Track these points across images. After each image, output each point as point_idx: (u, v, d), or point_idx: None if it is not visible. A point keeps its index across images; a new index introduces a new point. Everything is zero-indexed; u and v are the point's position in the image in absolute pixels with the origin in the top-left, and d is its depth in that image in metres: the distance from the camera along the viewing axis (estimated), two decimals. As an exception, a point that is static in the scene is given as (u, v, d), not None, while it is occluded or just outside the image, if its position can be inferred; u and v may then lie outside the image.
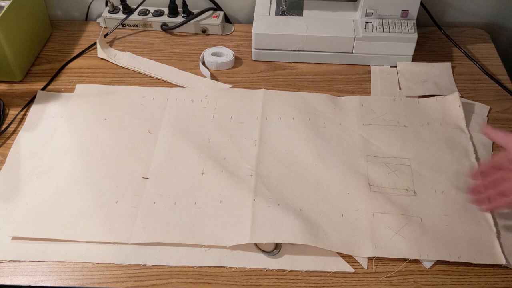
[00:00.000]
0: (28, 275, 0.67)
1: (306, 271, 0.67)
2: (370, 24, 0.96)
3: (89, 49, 1.03)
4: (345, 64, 1.00)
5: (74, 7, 1.12)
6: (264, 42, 0.97)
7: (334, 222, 0.72)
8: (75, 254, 0.69)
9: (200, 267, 0.68)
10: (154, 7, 1.08)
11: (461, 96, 0.91)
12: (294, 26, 0.97)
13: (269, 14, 1.00)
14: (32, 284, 0.66)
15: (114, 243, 0.70)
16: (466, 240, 0.70)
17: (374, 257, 0.68)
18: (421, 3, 0.96)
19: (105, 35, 1.05)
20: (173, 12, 1.06)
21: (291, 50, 0.98)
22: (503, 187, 0.66)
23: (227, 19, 1.11)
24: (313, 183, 0.77)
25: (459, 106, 0.87)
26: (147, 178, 0.78)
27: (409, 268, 0.68)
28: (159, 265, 0.68)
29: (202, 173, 0.78)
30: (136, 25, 1.08)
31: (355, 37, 0.95)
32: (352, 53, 0.98)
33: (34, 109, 0.90)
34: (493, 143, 0.83)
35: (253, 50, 0.99)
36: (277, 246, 0.69)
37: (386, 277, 0.67)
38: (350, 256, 0.69)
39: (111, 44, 1.04)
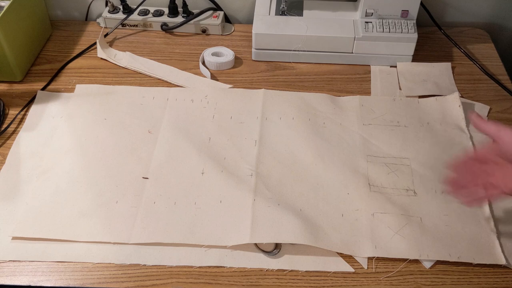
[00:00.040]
0: (28, 275, 0.67)
1: (306, 271, 0.67)
2: (370, 24, 0.96)
3: (89, 49, 1.03)
4: (345, 64, 1.00)
5: (74, 7, 1.12)
6: (264, 42, 0.97)
7: (334, 222, 0.72)
8: (75, 254, 0.69)
9: (200, 267, 0.68)
10: (154, 7, 1.08)
11: (461, 96, 0.91)
12: (294, 26, 0.97)
13: (269, 14, 1.00)
14: (32, 284, 0.66)
15: (114, 243, 0.70)
16: (466, 240, 0.70)
17: (374, 257, 0.68)
18: (421, 3, 0.96)
19: (105, 35, 1.05)
20: (173, 12, 1.06)
21: (291, 50, 0.98)
22: (485, 181, 0.64)
23: (227, 19, 1.11)
24: (313, 183, 0.77)
25: (459, 106, 0.88)
26: (147, 178, 0.78)
27: (409, 268, 0.68)
28: (159, 265, 0.68)
29: (202, 173, 0.78)
30: (136, 25, 1.08)
31: (355, 37, 0.95)
32: (352, 53, 0.98)
33: (34, 109, 0.90)
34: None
35: (253, 50, 0.99)
36: (277, 246, 0.70)
37: (386, 277, 0.67)
38: (350, 256, 0.69)
39: (111, 44, 1.04)
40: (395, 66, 0.98)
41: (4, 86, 0.95)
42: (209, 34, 1.07)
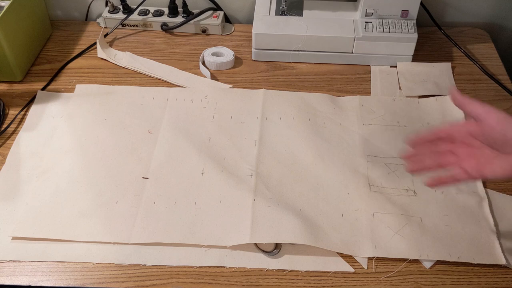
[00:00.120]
0: (28, 275, 0.67)
1: (306, 271, 0.67)
2: (370, 24, 0.96)
3: (89, 49, 1.03)
4: (345, 64, 1.00)
5: (74, 7, 1.12)
6: (264, 42, 0.97)
7: (334, 222, 0.72)
8: (75, 254, 0.69)
9: (200, 267, 0.68)
10: (154, 7, 1.08)
11: (461, 96, 0.91)
12: (294, 26, 0.97)
13: (269, 14, 1.00)
14: (32, 284, 0.66)
15: (114, 243, 0.70)
16: (466, 240, 0.70)
17: (374, 257, 0.68)
18: (421, 3, 0.96)
19: (105, 35, 1.05)
20: (173, 12, 1.06)
21: (291, 50, 0.98)
22: (453, 163, 0.61)
23: (227, 19, 1.11)
24: (313, 183, 0.77)
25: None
26: (147, 178, 0.78)
27: (409, 268, 0.68)
28: (159, 265, 0.68)
29: (202, 173, 0.78)
30: (136, 25, 1.08)
31: (355, 37, 0.95)
32: (352, 53, 0.98)
33: (34, 109, 0.90)
34: None
35: (253, 50, 0.99)
36: (277, 246, 0.70)
37: (386, 277, 0.67)
38: (350, 256, 0.69)
39: (111, 44, 1.04)
40: (395, 66, 0.98)
41: (4, 86, 0.95)
42: (209, 34, 1.07)
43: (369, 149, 0.82)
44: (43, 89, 0.94)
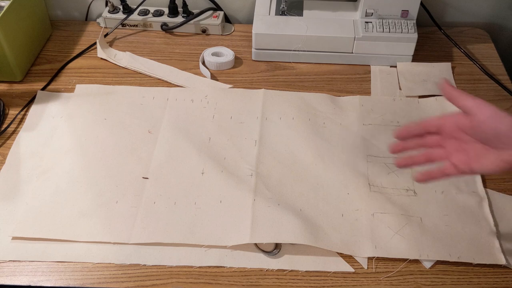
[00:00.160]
0: (28, 275, 0.67)
1: (306, 271, 0.67)
2: (370, 24, 0.96)
3: (89, 49, 1.03)
4: (345, 64, 1.00)
5: (74, 7, 1.12)
6: (264, 42, 0.97)
7: (334, 222, 0.72)
8: (75, 254, 0.69)
9: (200, 267, 0.68)
10: (154, 7, 1.08)
11: (461, 96, 0.91)
12: (294, 26, 0.97)
13: (269, 14, 1.00)
14: (32, 284, 0.66)
15: (114, 243, 0.70)
16: (466, 240, 0.70)
17: (374, 257, 0.68)
18: (421, 3, 0.96)
19: (105, 35, 1.05)
20: (173, 12, 1.06)
21: (291, 50, 0.98)
22: (442, 157, 0.61)
23: (227, 19, 1.11)
24: (313, 183, 0.77)
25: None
26: (147, 178, 0.78)
27: (409, 268, 0.68)
28: (159, 265, 0.68)
29: (202, 173, 0.78)
30: (136, 25, 1.08)
31: (355, 37, 0.95)
32: (352, 53, 0.98)
33: (34, 109, 0.90)
34: None
35: (253, 50, 0.99)
36: (277, 246, 0.69)
37: (386, 277, 0.67)
38: (350, 256, 0.69)
39: (111, 44, 1.04)
40: (395, 66, 0.98)
41: (4, 86, 0.95)
42: (209, 34, 1.07)
43: (369, 149, 0.82)
44: (43, 89, 0.94)
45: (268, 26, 0.97)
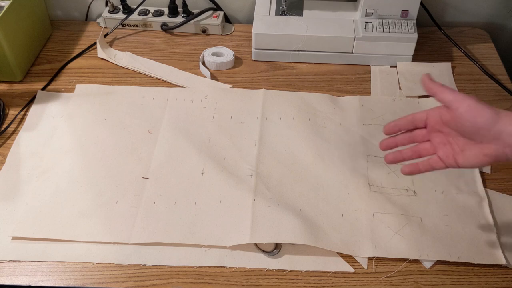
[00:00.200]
0: (28, 275, 0.67)
1: (306, 271, 0.67)
2: (370, 24, 0.96)
3: (89, 49, 1.03)
4: (345, 64, 1.00)
5: (74, 7, 1.12)
6: (264, 42, 0.97)
7: (334, 222, 0.72)
8: (75, 254, 0.69)
9: (200, 267, 0.68)
10: (154, 7, 1.08)
11: (461, 96, 0.91)
12: (294, 26, 0.97)
13: (269, 14, 1.00)
14: (32, 284, 0.66)
15: (114, 243, 0.70)
16: (466, 240, 0.70)
17: (374, 257, 0.68)
18: (421, 3, 0.96)
19: (105, 35, 1.05)
20: (173, 12, 1.06)
21: (291, 50, 0.98)
22: (428, 151, 0.61)
23: (227, 19, 1.11)
24: (313, 183, 0.77)
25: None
26: (147, 178, 0.78)
27: (409, 268, 0.68)
28: (159, 265, 0.68)
29: (202, 173, 0.78)
30: (136, 25, 1.08)
31: (355, 37, 0.95)
32: (352, 53, 0.98)
33: (34, 109, 0.90)
34: None
35: (253, 50, 0.99)
36: (277, 246, 0.69)
37: (386, 277, 0.67)
38: (350, 256, 0.69)
39: (111, 44, 1.04)
40: (395, 66, 0.98)
41: (4, 86, 0.95)
42: (209, 34, 1.07)
43: (369, 149, 0.82)
44: (43, 89, 0.94)
45: (268, 26, 0.97)
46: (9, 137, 0.85)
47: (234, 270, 0.67)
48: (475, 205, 0.74)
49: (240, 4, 1.10)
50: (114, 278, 0.66)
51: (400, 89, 0.94)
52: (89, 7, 1.12)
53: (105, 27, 1.08)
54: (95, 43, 1.03)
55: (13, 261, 0.68)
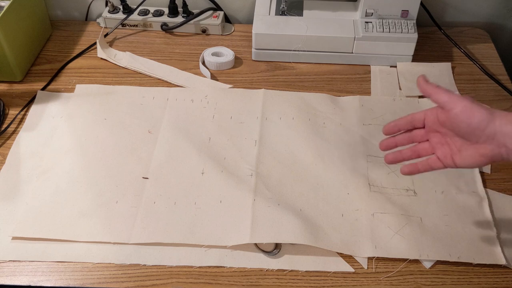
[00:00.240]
0: (28, 275, 0.67)
1: (306, 271, 0.67)
2: (370, 24, 0.96)
3: (89, 49, 1.03)
4: (345, 64, 1.00)
5: (74, 7, 1.12)
6: (264, 42, 0.97)
7: (334, 222, 0.72)
8: (75, 254, 0.69)
9: (200, 267, 0.68)
10: (154, 7, 1.08)
11: (461, 96, 0.91)
12: (294, 26, 0.97)
13: (269, 14, 1.00)
14: (32, 284, 0.66)
15: (114, 243, 0.70)
16: (466, 240, 0.70)
17: (374, 257, 0.68)
18: (421, 3, 0.96)
19: (105, 35, 1.05)
20: (173, 12, 1.06)
21: (291, 50, 0.98)
22: (427, 151, 0.61)
23: (227, 19, 1.11)
24: (313, 183, 0.77)
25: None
26: (147, 178, 0.78)
27: (409, 268, 0.68)
28: (159, 265, 0.68)
29: (202, 173, 0.78)
30: (136, 25, 1.08)
31: (355, 37, 0.95)
32: (352, 53, 0.98)
33: (34, 109, 0.90)
34: None
35: (253, 50, 0.99)
36: (277, 246, 0.69)
37: (386, 277, 0.67)
38: (350, 256, 0.69)
39: (111, 44, 1.04)
40: (395, 66, 0.98)
41: (4, 86, 0.95)
42: (209, 34, 1.07)
43: (369, 149, 0.82)
44: (43, 89, 0.94)
45: (268, 26, 0.97)
46: (9, 137, 0.85)
47: (234, 270, 0.67)
48: (475, 205, 0.74)
49: (240, 4, 1.10)
50: (114, 278, 0.66)
51: (400, 89, 0.94)
52: (89, 7, 1.12)
53: (105, 27, 1.08)
54: (95, 43, 1.03)
55: (13, 261, 0.68)
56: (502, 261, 0.67)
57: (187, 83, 0.95)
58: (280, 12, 1.00)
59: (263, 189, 0.76)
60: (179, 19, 1.06)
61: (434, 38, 1.06)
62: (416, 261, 0.68)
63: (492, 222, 0.72)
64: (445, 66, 0.98)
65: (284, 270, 0.67)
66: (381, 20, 0.96)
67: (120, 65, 0.99)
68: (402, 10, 0.95)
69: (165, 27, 1.07)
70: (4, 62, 0.91)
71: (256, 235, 0.69)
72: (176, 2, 1.06)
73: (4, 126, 0.87)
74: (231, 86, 0.94)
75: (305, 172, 0.79)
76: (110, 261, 0.68)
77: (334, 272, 0.67)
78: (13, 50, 0.91)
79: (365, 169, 0.79)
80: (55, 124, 0.86)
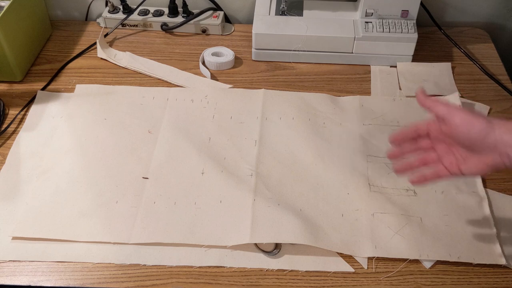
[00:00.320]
0: (28, 275, 0.67)
1: (306, 271, 0.67)
2: (370, 24, 0.96)
3: (89, 49, 1.03)
4: (345, 64, 1.00)
5: (74, 7, 1.12)
6: (264, 42, 0.97)
7: (334, 222, 0.72)
8: (75, 254, 0.69)
9: (200, 267, 0.68)
10: (154, 7, 1.08)
11: (461, 96, 0.91)
12: (294, 26, 0.97)
13: (269, 14, 1.00)
14: (32, 284, 0.66)
15: (114, 243, 0.70)
16: (466, 240, 0.70)
17: (374, 257, 0.68)
18: (421, 3, 0.96)
19: (105, 35, 1.05)
20: (173, 12, 1.06)
21: (291, 50, 0.98)
22: (435, 160, 0.62)
23: (227, 19, 1.11)
24: (313, 183, 0.77)
25: (459, 106, 0.87)
26: (147, 178, 0.78)
27: (409, 268, 0.68)
28: (159, 265, 0.68)
29: (202, 173, 0.78)
30: (136, 25, 1.08)
31: (355, 37, 0.95)
32: (352, 53, 0.98)
33: (34, 109, 0.90)
34: None
35: (253, 50, 0.99)
36: (277, 246, 0.69)
37: (386, 277, 0.67)
38: (350, 256, 0.69)
39: (111, 44, 1.04)
40: (395, 66, 0.98)
41: (4, 86, 0.95)
42: (209, 34, 1.07)
43: (369, 149, 0.82)
44: (43, 89, 0.94)
45: (268, 26, 0.97)
46: (9, 137, 0.85)
47: (234, 270, 0.67)
48: (475, 205, 0.74)
49: (240, 4, 1.10)
50: (114, 278, 0.66)
51: (400, 89, 0.94)
52: (89, 7, 1.12)
53: (105, 27, 1.08)
54: (95, 43, 1.03)
55: (13, 261, 0.68)
56: (502, 261, 0.67)
57: (187, 83, 0.95)
58: (280, 12, 1.00)
59: (263, 189, 0.76)
60: (179, 19, 1.06)
61: (434, 38, 1.06)
62: (416, 261, 0.68)
63: (492, 222, 0.72)
64: (445, 66, 0.98)
65: (284, 270, 0.67)
66: (381, 20, 0.96)
67: (120, 65, 0.99)
68: (402, 10, 0.95)
69: (165, 27, 1.07)
70: (4, 62, 0.91)
71: (256, 235, 0.69)
72: (176, 2, 1.06)
73: (4, 126, 0.87)
74: (231, 86, 0.94)
75: (305, 172, 0.79)
76: (110, 261, 0.68)
77: (334, 272, 0.67)
78: (13, 50, 0.91)
79: (365, 169, 0.79)
80: (55, 124, 0.86)
